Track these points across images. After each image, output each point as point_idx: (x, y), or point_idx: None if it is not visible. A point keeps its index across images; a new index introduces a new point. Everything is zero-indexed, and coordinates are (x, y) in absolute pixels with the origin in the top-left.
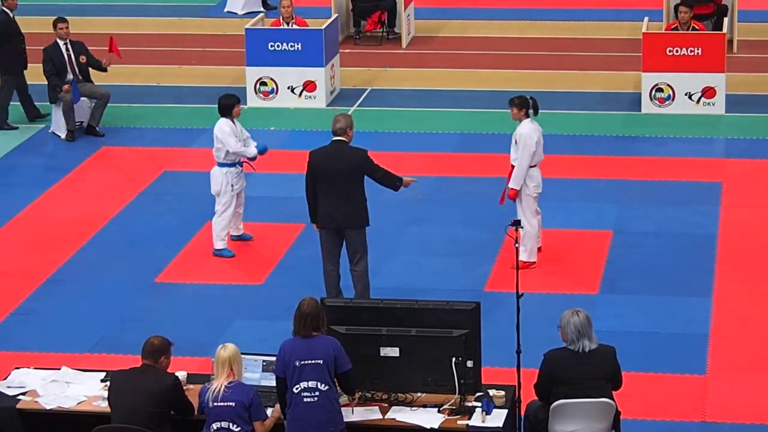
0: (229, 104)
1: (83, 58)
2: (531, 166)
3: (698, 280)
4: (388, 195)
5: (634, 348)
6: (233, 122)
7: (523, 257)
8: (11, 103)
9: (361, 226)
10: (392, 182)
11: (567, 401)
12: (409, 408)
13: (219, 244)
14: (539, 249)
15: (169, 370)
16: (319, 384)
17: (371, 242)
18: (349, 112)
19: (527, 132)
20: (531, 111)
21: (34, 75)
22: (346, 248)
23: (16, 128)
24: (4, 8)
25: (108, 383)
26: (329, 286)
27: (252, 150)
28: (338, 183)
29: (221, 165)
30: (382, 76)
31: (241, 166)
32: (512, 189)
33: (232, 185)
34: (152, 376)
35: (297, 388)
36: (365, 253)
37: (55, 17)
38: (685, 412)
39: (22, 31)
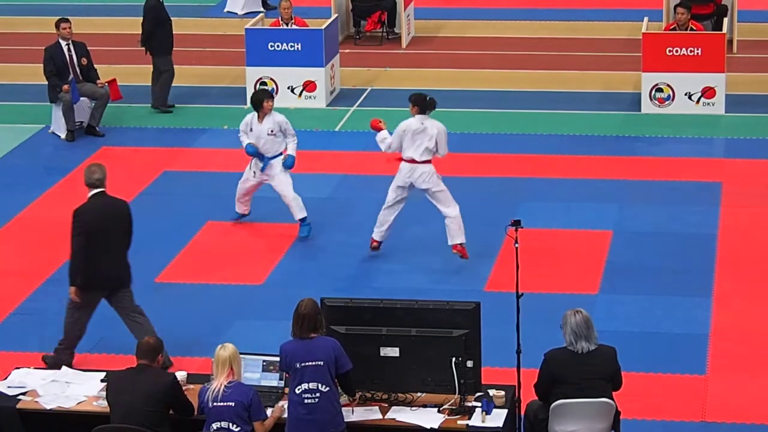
0: (256, 100)
1: (84, 60)
2: (405, 160)
3: (698, 280)
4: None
5: (634, 348)
6: (258, 118)
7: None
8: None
9: (129, 285)
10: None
11: (567, 401)
12: (409, 408)
13: (236, 206)
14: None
15: (169, 370)
16: (319, 385)
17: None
18: (349, 112)
19: (403, 124)
20: (428, 111)
21: (35, 74)
22: (117, 310)
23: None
24: None
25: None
26: (71, 332)
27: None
28: (112, 241)
29: None
30: (382, 76)
31: (261, 160)
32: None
33: (254, 172)
34: (150, 375)
35: (298, 389)
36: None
37: (58, 17)
38: (685, 412)
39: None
